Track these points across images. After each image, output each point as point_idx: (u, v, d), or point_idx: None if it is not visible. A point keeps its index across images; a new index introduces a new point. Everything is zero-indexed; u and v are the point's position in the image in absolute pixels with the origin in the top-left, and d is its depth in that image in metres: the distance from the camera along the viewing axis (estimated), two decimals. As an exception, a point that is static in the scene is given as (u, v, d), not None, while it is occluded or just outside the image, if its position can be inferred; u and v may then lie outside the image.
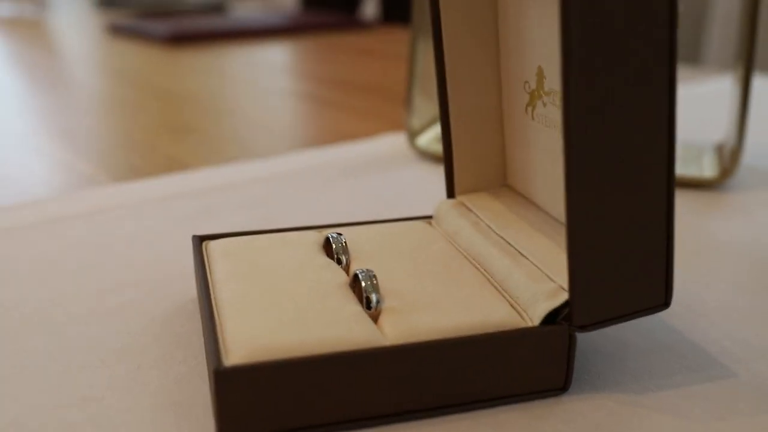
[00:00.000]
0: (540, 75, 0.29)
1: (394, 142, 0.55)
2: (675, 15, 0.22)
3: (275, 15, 1.36)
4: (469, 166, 0.33)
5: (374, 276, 0.26)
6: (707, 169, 0.47)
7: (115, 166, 0.51)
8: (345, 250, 0.29)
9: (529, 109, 0.30)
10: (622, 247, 0.24)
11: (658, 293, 0.25)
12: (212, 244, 0.30)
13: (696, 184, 0.45)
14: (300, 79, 0.84)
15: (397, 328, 0.24)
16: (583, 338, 0.28)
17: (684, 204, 0.43)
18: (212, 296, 0.26)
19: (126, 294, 0.32)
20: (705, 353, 0.28)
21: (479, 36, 0.31)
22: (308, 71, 0.89)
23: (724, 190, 0.45)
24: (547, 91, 0.28)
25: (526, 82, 0.30)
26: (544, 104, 0.29)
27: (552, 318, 0.25)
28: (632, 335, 0.29)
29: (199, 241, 0.31)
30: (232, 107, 0.72)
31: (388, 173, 0.49)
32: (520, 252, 0.28)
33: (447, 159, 0.33)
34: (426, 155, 0.51)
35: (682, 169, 0.46)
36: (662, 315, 0.30)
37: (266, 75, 0.88)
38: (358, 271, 0.26)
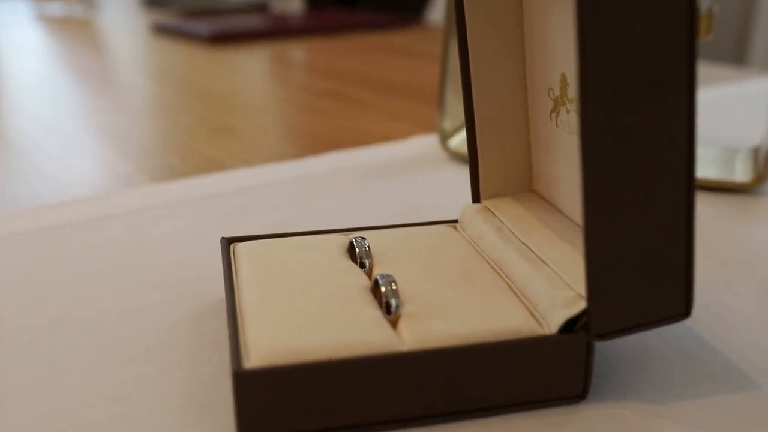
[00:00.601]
0: (563, 82, 0.29)
1: (427, 143, 0.56)
2: (695, 18, 0.22)
3: (316, 14, 1.37)
4: (495, 170, 0.33)
5: (394, 281, 0.26)
6: (741, 173, 0.46)
7: (153, 166, 0.53)
8: (368, 254, 0.30)
9: (554, 115, 0.30)
10: (641, 255, 0.24)
11: (678, 302, 0.25)
12: (240, 247, 0.31)
13: (728, 189, 0.45)
14: (337, 79, 0.84)
15: (414, 334, 0.24)
16: (606, 344, 0.28)
17: (715, 209, 0.42)
18: (236, 299, 0.27)
19: (157, 293, 0.33)
20: (729, 362, 0.28)
21: (505, 41, 0.31)
22: (346, 71, 0.89)
23: (759, 195, 0.45)
24: (570, 99, 0.28)
25: (550, 88, 0.30)
26: (568, 111, 0.29)
27: (571, 325, 0.25)
28: (657, 342, 0.29)
29: (228, 243, 0.31)
30: (270, 107, 0.73)
31: (419, 175, 0.49)
32: (541, 259, 0.28)
33: (472, 164, 0.33)
34: (458, 157, 0.51)
35: (714, 172, 0.46)
36: (688, 322, 0.30)
37: (304, 74, 0.89)
38: (378, 276, 0.27)
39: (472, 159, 0.33)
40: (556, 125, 0.30)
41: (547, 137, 0.31)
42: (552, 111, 0.30)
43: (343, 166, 0.51)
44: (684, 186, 0.23)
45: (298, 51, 1.05)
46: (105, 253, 0.37)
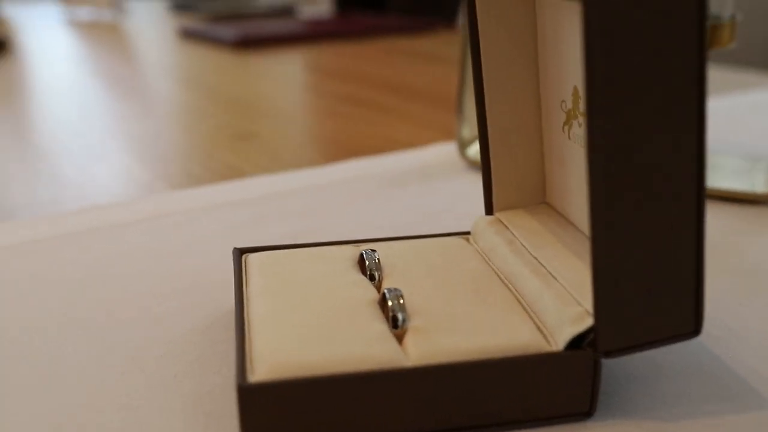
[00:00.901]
0: (576, 95, 0.28)
1: (445, 151, 0.56)
2: (704, 28, 0.21)
3: (342, 18, 1.37)
4: (508, 182, 0.33)
5: (401, 295, 0.26)
6: (760, 183, 0.45)
7: (173, 173, 0.53)
8: (378, 266, 0.30)
9: (566, 128, 0.30)
10: (649, 271, 0.23)
11: (687, 320, 0.24)
12: (251, 257, 0.31)
13: (746, 200, 0.44)
14: (361, 84, 0.85)
15: (419, 348, 0.24)
16: (615, 359, 0.28)
17: (731, 221, 0.42)
18: (245, 310, 0.27)
19: (171, 301, 0.33)
20: (742, 381, 0.27)
21: (518, 52, 0.31)
22: (370, 76, 0.89)
23: (779, 206, 0.44)
24: (582, 112, 0.28)
25: (563, 101, 0.30)
26: (580, 124, 0.28)
27: (579, 342, 0.25)
28: (668, 357, 0.29)
29: (240, 253, 0.32)
30: (293, 112, 0.73)
31: (436, 184, 0.49)
32: (551, 273, 0.28)
33: (485, 175, 0.33)
34: (475, 166, 0.51)
35: (733, 183, 0.45)
36: (701, 338, 0.30)
37: (329, 79, 0.89)
38: (386, 290, 0.27)
39: (485, 171, 0.33)
40: (569, 138, 0.30)
41: (560, 150, 0.31)
42: (565, 123, 0.30)
43: (360, 174, 0.51)
44: (694, 200, 0.23)
45: (323, 56, 1.05)
46: (123, 260, 0.37)
